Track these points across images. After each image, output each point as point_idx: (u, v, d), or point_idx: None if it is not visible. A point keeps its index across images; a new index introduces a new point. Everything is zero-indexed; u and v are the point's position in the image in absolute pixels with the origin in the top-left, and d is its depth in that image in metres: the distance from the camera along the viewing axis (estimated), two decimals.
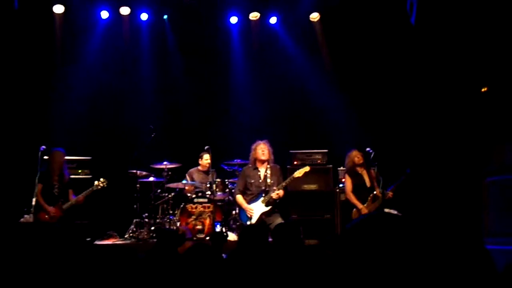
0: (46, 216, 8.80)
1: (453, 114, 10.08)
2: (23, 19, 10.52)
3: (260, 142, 9.15)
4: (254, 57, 11.91)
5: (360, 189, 9.03)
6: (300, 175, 8.99)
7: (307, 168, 9.03)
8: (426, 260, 2.11)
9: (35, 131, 10.44)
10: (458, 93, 10.01)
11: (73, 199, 9.04)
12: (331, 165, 10.50)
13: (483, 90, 9.74)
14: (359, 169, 9.13)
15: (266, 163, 9.07)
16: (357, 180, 9.09)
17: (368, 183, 9.03)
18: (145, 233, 9.78)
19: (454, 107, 10.07)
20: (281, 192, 8.85)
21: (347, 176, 9.24)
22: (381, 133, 10.80)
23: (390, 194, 8.93)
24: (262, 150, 9.06)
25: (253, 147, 9.21)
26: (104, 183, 9.12)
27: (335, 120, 11.29)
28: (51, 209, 8.84)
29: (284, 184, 8.89)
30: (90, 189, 9.08)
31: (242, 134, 11.08)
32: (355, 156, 9.11)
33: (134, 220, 10.01)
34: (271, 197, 8.81)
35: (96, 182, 9.12)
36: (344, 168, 10.21)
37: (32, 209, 8.86)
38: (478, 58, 9.57)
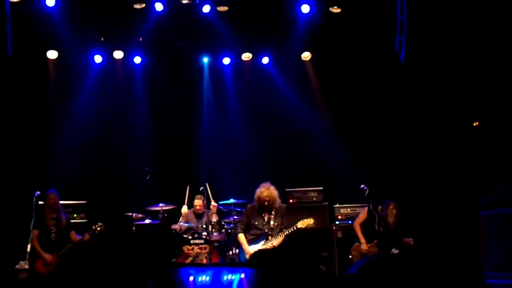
0: (43, 264, 8.70)
1: (446, 149, 10.12)
2: (18, 66, 10.62)
3: (264, 185, 8.98)
4: (248, 97, 12.01)
5: (370, 228, 9.00)
6: (303, 226, 8.88)
7: (311, 221, 8.91)
8: None
9: (30, 177, 10.44)
10: (450, 128, 10.07)
11: (77, 237, 8.97)
12: (326, 203, 10.50)
13: (474, 124, 9.82)
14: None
15: (270, 206, 8.98)
16: (372, 220, 9.01)
17: (381, 229, 8.97)
18: None
19: (447, 142, 10.12)
20: (280, 240, 8.77)
21: (365, 211, 9.18)
22: (376, 170, 10.82)
23: (411, 241, 8.93)
24: (266, 195, 8.86)
25: (257, 190, 9.06)
26: (102, 227, 9.06)
27: (330, 157, 11.32)
28: (47, 256, 8.73)
29: (285, 233, 8.79)
30: (91, 231, 9.02)
31: (237, 174, 11.11)
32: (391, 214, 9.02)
33: None
34: (271, 245, 8.73)
35: (93, 226, 9.05)
36: (339, 205, 10.30)
37: (27, 256, 8.83)
38: (468, 93, 9.67)
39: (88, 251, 9.25)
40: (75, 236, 9.02)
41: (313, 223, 9.13)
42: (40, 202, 9.17)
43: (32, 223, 8.83)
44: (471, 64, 9.44)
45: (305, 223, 8.84)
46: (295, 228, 8.81)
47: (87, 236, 8.95)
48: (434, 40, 9.83)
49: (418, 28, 9.99)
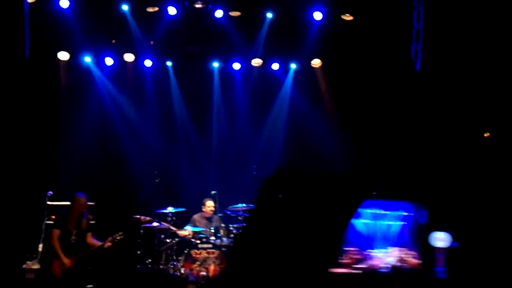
0: (59, 266, 8.41)
1: (456, 159, 10.11)
2: (31, 66, 10.61)
3: None
4: (257, 102, 12.00)
5: None
6: None
7: None
8: None
9: (40, 177, 10.39)
10: (462, 138, 10.07)
11: (96, 243, 8.81)
12: None
13: (485, 135, 9.83)
14: None
15: None
16: None
17: None
18: None
19: (457, 152, 10.11)
20: None
21: None
22: (385, 180, 10.78)
23: None
24: None
25: None
26: (122, 236, 8.89)
27: (339, 164, 11.28)
28: (66, 261, 8.43)
29: None
30: (112, 239, 8.82)
31: (245, 179, 11.08)
32: None
33: (138, 266, 9.86)
34: None
35: (114, 235, 8.81)
36: None
37: (37, 256, 8.71)
38: (481, 104, 9.68)
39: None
40: (91, 239, 8.86)
41: None
42: (49, 202, 9.07)
43: (44, 222, 8.72)
44: (486, 74, 9.46)
45: None
46: None
47: (108, 244, 8.75)
48: (451, 49, 9.85)
49: (435, 36, 10.00)
